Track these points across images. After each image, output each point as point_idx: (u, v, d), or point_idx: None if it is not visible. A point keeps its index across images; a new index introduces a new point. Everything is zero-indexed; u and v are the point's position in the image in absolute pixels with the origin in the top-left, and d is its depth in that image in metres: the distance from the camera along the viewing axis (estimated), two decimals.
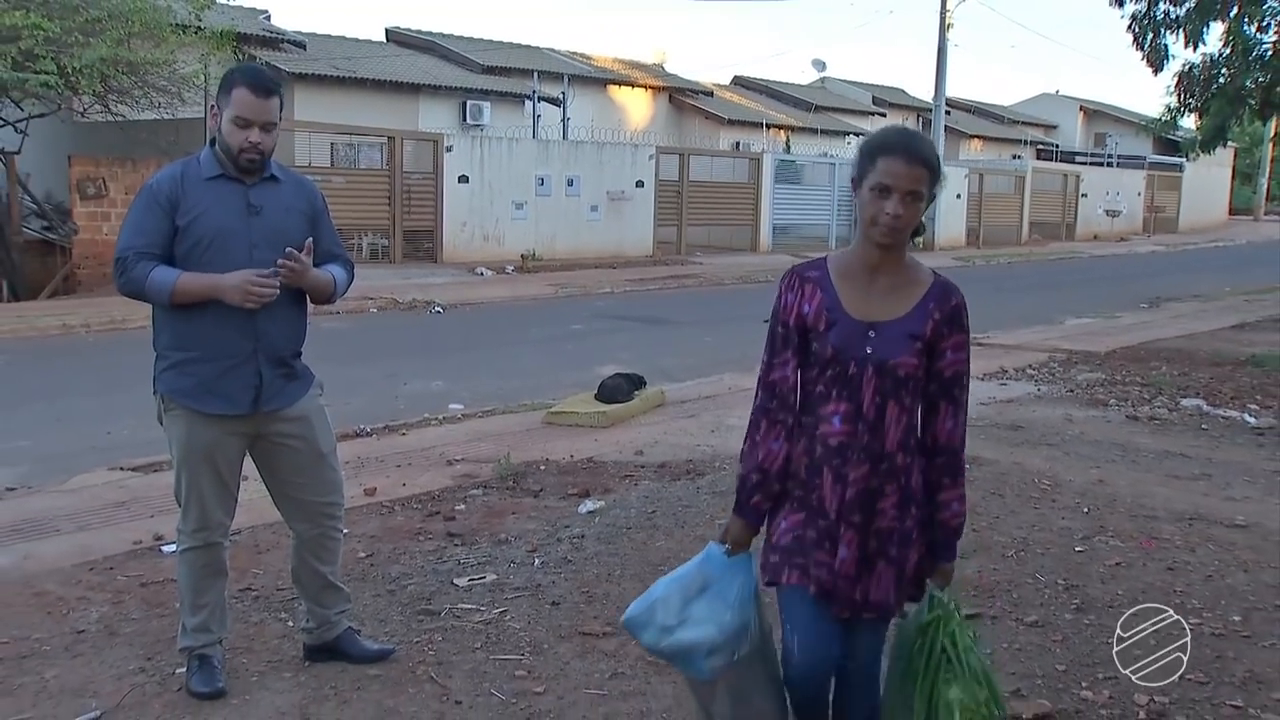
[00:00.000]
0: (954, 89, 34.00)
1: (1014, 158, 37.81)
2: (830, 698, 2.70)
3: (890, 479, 2.48)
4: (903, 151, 2.39)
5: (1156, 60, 11.57)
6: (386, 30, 29.53)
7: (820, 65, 39.12)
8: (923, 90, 36.51)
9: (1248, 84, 11.58)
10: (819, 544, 2.50)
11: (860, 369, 2.45)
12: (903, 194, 2.38)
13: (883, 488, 2.48)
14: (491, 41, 30.80)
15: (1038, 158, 39.63)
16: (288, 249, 3.27)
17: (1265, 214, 50.34)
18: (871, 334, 2.45)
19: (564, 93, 24.76)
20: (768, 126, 31.84)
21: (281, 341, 3.40)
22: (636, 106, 30.77)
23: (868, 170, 2.43)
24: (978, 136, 41.08)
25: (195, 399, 3.32)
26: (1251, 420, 7.77)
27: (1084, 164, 38.52)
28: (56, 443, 7.09)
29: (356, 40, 27.15)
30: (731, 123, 31.40)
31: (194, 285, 3.23)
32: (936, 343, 2.48)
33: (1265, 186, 51.20)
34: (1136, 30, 11.51)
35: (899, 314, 2.47)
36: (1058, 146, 42.64)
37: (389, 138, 19.49)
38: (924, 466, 2.55)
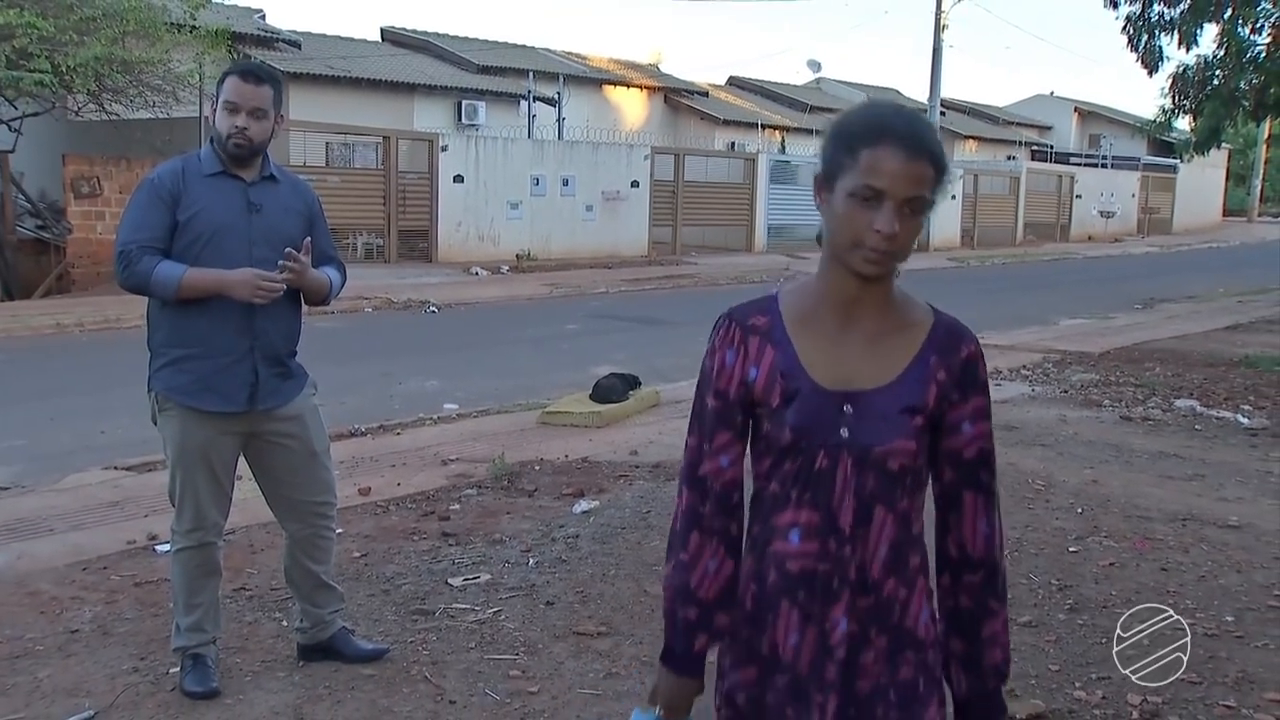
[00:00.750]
0: (949, 90, 34.06)
1: (1008, 159, 37.87)
2: None
3: (875, 620, 1.69)
4: (901, 140, 1.60)
5: (1151, 62, 11.60)
6: (381, 30, 29.51)
7: (815, 66, 39.11)
8: (917, 91, 36.60)
9: (1241, 85, 11.62)
10: (780, 713, 1.75)
11: (832, 460, 1.67)
12: (900, 202, 1.59)
13: (865, 633, 1.69)
14: (486, 41, 30.79)
15: (1032, 159, 39.70)
16: (288, 249, 3.28)
17: (1259, 215, 50.47)
18: (848, 409, 1.67)
19: (559, 93, 24.75)
20: (763, 127, 31.85)
21: (278, 340, 3.41)
22: (632, 107, 30.77)
23: (844, 165, 1.62)
24: (972, 137, 41.12)
25: (191, 396, 3.32)
26: (1245, 421, 7.79)
27: (1078, 165, 38.59)
28: (50, 442, 7.08)
29: (351, 40, 27.14)
30: (726, 123, 31.40)
31: (201, 280, 3.23)
32: (945, 413, 1.71)
33: (1259, 188, 51.32)
34: (1131, 32, 11.54)
35: (888, 377, 1.69)
36: (1052, 148, 42.70)
37: (384, 137, 19.48)
38: (950, 588, 1.77)
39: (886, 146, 1.59)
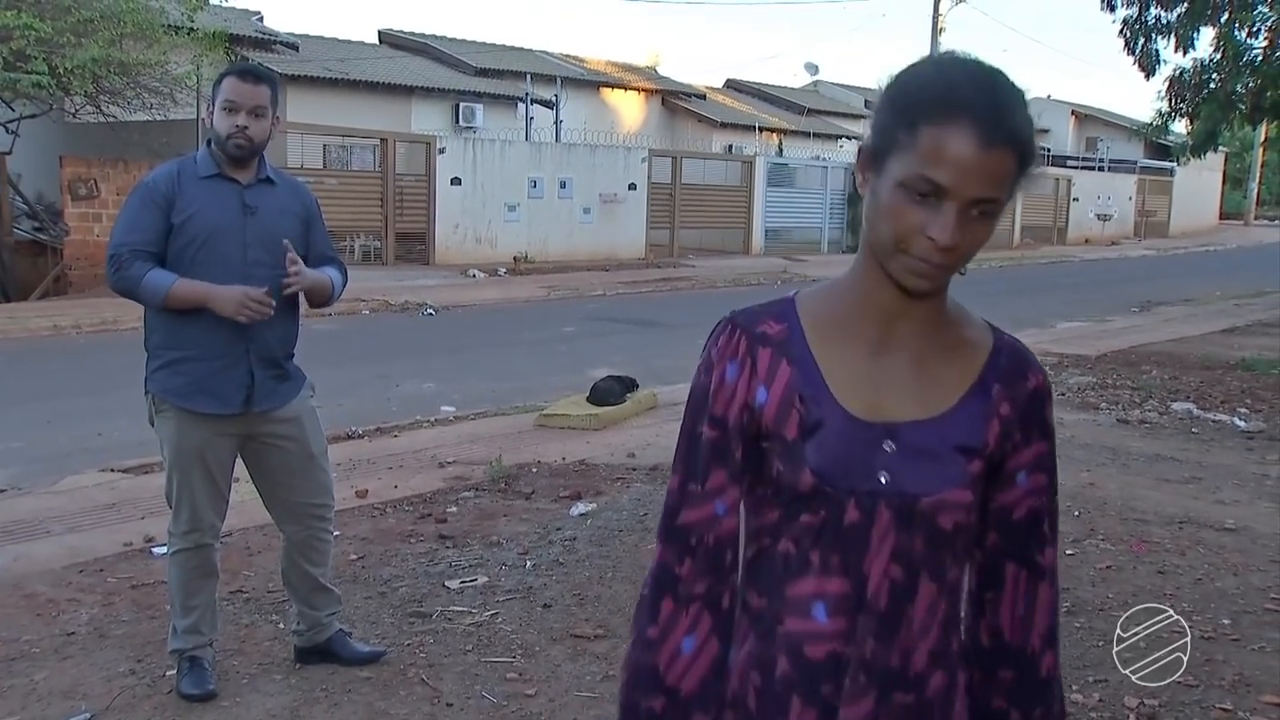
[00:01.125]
0: None
1: None
2: None
3: (915, 718, 1.32)
4: (978, 120, 1.20)
5: (1148, 65, 11.63)
6: (379, 32, 29.52)
7: (813, 69, 39.17)
8: None
9: (1238, 89, 11.65)
10: None
11: (867, 515, 1.29)
12: (965, 203, 1.21)
13: None
14: (484, 44, 30.80)
15: None
16: (285, 242, 3.27)
17: (1255, 218, 50.57)
18: (888, 446, 1.30)
19: (557, 95, 24.77)
20: (760, 130, 31.87)
21: (274, 343, 3.41)
22: (629, 109, 30.80)
23: (898, 143, 1.24)
24: None
25: (187, 398, 3.32)
26: (1241, 424, 7.79)
27: (1075, 168, 38.65)
28: (47, 444, 7.07)
29: (349, 42, 27.14)
30: (724, 126, 31.43)
31: (189, 292, 3.24)
32: (1004, 459, 1.35)
33: (1255, 191, 51.43)
34: (1128, 35, 11.57)
35: (939, 407, 1.32)
36: (1049, 150, 42.70)
37: (381, 140, 19.48)
38: (980, 686, 1.40)
39: (957, 127, 1.19)
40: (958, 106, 1.19)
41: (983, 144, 1.19)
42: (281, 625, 3.97)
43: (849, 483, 1.29)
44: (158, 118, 15.93)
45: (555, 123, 24.11)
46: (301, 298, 3.53)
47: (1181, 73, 11.87)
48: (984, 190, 1.20)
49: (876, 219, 1.27)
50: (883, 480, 1.29)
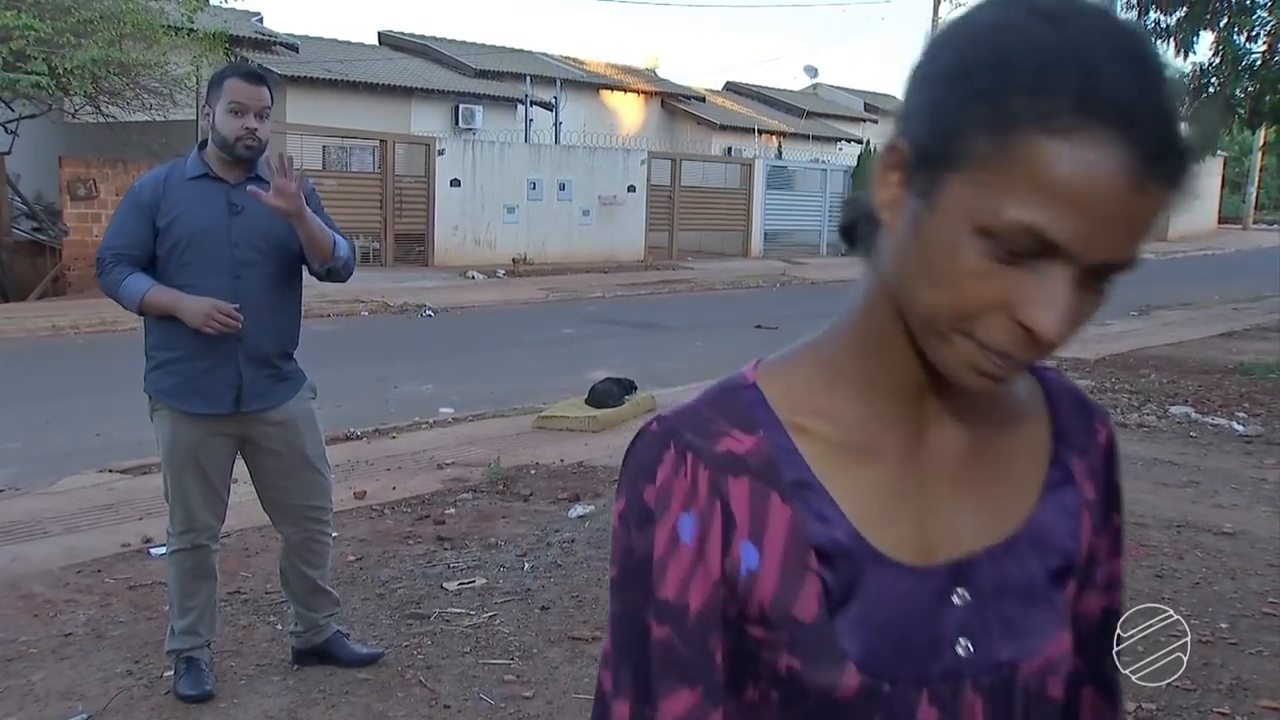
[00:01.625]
0: None
1: None
2: None
3: None
4: (1136, 129, 0.68)
5: None
6: (379, 33, 29.49)
7: (812, 71, 39.19)
8: None
9: (1237, 93, 11.65)
10: None
11: (949, 712, 0.84)
12: (1087, 271, 0.72)
13: None
14: (484, 45, 30.79)
15: None
16: (280, 153, 3.25)
17: (1254, 223, 50.62)
18: (960, 597, 0.84)
19: (556, 97, 24.76)
20: (759, 132, 31.88)
21: (266, 342, 3.40)
22: (629, 111, 30.80)
23: (976, 151, 0.70)
24: None
25: (178, 398, 3.33)
26: (1239, 428, 7.80)
27: None
28: (46, 444, 7.06)
29: (349, 43, 27.11)
30: (723, 128, 31.41)
31: (161, 300, 3.27)
32: (1092, 555, 0.96)
33: (1254, 195, 51.47)
34: None
35: (1018, 515, 0.88)
36: None
37: (381, 141, 19.49)
38: None
39: (1101, 143, 0.68)
40: (1103, 104, 0.68)
41: (1140, 175, 0.68)
42: (279, 626, 3.97)
43: (914, 668, 0.83)
44: (157, 118, 15.94)
45: (555, 125, 24.11)
46: (301, 297, 3.53)
47: (1180, 76, 11.88)
48: (1123, 249, 0.71)
49: (921, 273, 0.75)
50: (962, 652, 0.84)
